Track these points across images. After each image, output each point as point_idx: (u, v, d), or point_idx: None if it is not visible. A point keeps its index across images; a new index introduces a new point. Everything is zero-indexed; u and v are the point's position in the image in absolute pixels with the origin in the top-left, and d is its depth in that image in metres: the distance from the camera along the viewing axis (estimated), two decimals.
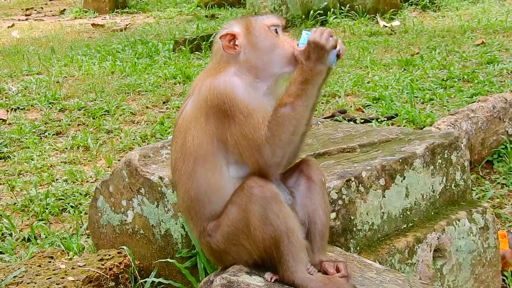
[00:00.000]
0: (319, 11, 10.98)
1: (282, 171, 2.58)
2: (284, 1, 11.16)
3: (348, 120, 5.93)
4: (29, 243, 4.34)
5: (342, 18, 11.25)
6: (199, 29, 11.37)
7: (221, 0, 14.42)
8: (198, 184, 2.51)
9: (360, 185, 3.07)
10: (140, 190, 3.51)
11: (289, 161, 2.59)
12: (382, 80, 7.27)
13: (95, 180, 5.24)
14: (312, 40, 2.44)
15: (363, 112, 6.40)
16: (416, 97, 6.58)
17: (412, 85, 6.75)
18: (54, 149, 6.05)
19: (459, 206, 3.51)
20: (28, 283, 3.25)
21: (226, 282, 2.43)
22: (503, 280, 3.74)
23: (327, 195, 2.74)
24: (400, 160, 3.25)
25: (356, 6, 11.37)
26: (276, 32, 2.58)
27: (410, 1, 12.24)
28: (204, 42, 9.58)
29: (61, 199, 4.95)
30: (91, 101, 7.37)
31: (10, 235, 4.48)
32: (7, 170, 5.62)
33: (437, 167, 3.42)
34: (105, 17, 15.12)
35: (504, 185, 4.87)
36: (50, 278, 3.28)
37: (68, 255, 3.72)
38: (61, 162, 5.71)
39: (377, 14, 11.31)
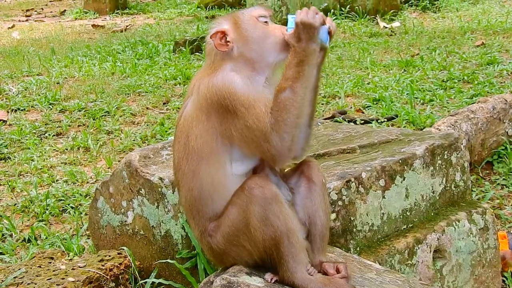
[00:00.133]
0: None
1: (299, 154, 2.58)
2: (284, 2, 11.17)
3: (348, 121, 5.93)
4: (29, 244, 4.35)
5: (342, 19, 11.26)
6: (199, 30, 11.37)
7: (222, 1, 14.43)
8: (202, 182, 2.51)
9: (360, 186, 3.07)
10: (140, 191, 3.51)
11: (303, 148, 2.60)
12: (382, 81, 7.27)
13: (95, 181, 5.24)
14: (299, 20, 2.44)
15: (363, 113, 6.40)
16: (416, 98, 6.58)
17: (412, 86, 6.75)
18: (54, 150, 6.05)
19: (459, 207, 3.51)
20: (28, 283, 3.26)
21: (226, 283, 2.43)
22: (503, 281, 3.74)
23: (328, 196, 2.75)
24: (400, 161, 3.25)
25: (356, 7, 11.37)
26: (265, 22, 2.58)
27: (410, 2, 12.24)
28: (204, 43, 9.58)
29: (61, 200, 4.96)
30: (92, 102, 7.38)
31: (11, 235, 4.49)
32: (7, 171, 5.62)
33: (437, 168, 3.42)
34: (105, 18, 15.13)
35: (504, 186, 4.87)
36: (50, 278, 3.29)
37: (68, 256, 3.72)
38: (61, 163, 5.72)
39: (377, 15, 11.32)
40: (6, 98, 7.73)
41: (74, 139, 6.21)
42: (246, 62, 2.54)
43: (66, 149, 6.03)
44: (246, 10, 2.62)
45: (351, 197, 3.03)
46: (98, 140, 6.21)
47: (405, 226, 3.27)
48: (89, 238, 4.21)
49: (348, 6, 11.39)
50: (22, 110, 7.29)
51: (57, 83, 8.32)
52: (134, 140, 6.10)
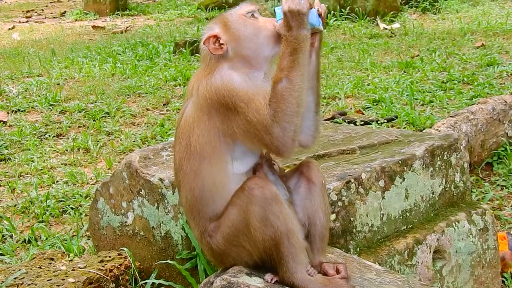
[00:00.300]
0: None
1: (310, 143, 2.61)
2: None
3: (348, 122, 5.93)
4: (29, 244, 4.35)
5: (342, 20, 11.28)
6: (199, 31, 11.38)
7: (222, 2, 14.44)
8: (204, 182, 2.52)
9: (360, 186, 3.08)
10: (140, 192, 3.52)
11: (313, 136, 2.62)
12: (382, 82, 7.28)
13: (96, 182, 5.25)
14: (286, 9, 2.44)
15: (363, 114, 6.40)
16: (416, 99, 6.59)
17: (412, 87, 6.76)
18: (54, 151, 6.06)
19: (459, 207, 3.51)
20: (28, 284, 3.26)
21: (226, 283, 2.44)
22: (503, 282, 3.75)
23: (327, 196, 2.75)
24: (400, 162, 3.26)
25: (356, 9, 11.38)
26: (254, 17, 2.58)
27: (410, 3, 12.25)
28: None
29: (62, 201, 4.96)
30: (92, 103, 7.38)
31: (11, 236, 4.49)
32: (7, 172, 5.62)
33: (437, 168, 3.42)
34: (105, 19, 15.14)
35: (504, 187, 4.88)
36: (50, 279, 3.29)
37: (69, 257, 3.73)
38: (62, 164, 5.72)
39: (377, 17, 11.33)
40: (6, 99, 7.73)
41: (74, 140, 6.22)
42: (243, 60, 2.55)
43: (66, 150, 6.04)
44: (233, 10, 2.63)
45: (350, 198, 3.04)
46: (98, 141, 6.22)
47: (404, 227, 3.28)
48: (89, 239, 4.21)
49: (348, 8, 11.40)
50: (22, 111, 7.29)
51: (57, 84, 8.33)
52: (134, 141, 6.10)
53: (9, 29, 14.44)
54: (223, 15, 2.63)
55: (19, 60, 10.15)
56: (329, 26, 11.03)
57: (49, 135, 6.44)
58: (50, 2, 19.54)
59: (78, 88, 8.09)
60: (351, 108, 6.56)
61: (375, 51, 9.07)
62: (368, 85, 7.28)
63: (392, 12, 11.46)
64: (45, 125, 6.73)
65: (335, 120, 6.04)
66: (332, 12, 11.28)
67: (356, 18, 11.28)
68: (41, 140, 6.37)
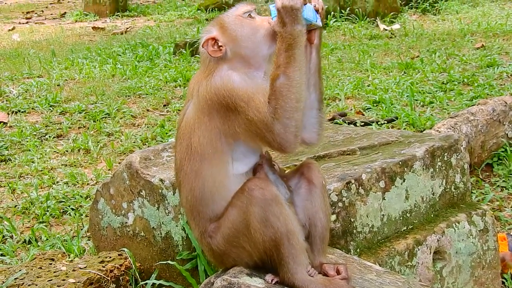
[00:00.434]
0: None
1: (315, 140, 2.61)
2: None
3: (348, 123, 5.94)
4: (30, 245, 4.35)
5: (342, 21, 11.28)
6: (199, 32, 11.38)
7: (222, 3, 14.44)
8: (204, 182, 2.52)
9: (360, 187, 3.08)
10: (141, 193, 3.52)
11: (318, 133, 2.63)
12: (382, 83, 7.29)
13: (96, 183, 5.25)
14: (279, 6, 2.45)
15: (363, 115, 6.41)
16: (416, 100, 6.59)
17: (412, 88, 6.76)
18: (54, 151, 6.06)
19: (459, 208, 3.51)
20: (29, 285, 3.27)
21: (227, 284, 2.44)
22: (503, 283, 3.75)
23: (328, 197, 2.75)
24: (400, 163, 3.26)
25: (356, 10, 11.38)
26: (251, 17, 2.59)
27: (410, 4, 12.25)
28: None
29: (62, 201, 4.96)
30: (92, 104, 7.39)
31: (11, 237, 4.49)
32: (8, 173, 5.63)
33: (437, 169, 3.43)
34: (105, 20, 15.14)
35: (504, 188, 4.88)
36: (51, 280, 3.30)
37: (69, 257, 3.73)
38: (62, 164, 5.73)
39: (377, 18, 11.33)
40: (6, 100, 7.74)
41: (74, 141, 6.22)
42: (242, 60, 2.55)
43: (67, 151, 6.04)
44: (230, 11, 2.64)
45: (351, 199, 3.04)
46: (98, 142, 6.22)
47: (405, 228, 3.28)
48: (89, 240, 4.21)
49: (348, 9, 11.41)
50: (22, 112, 7.30)
51: (58, 85, 8.33)
52: (134, 142, 6.11)
53: (9, 30, 14.45)
54: (220, 17, 2.64)
55: (19, 61, 10.16)
56: (329, 27, 11.03)
57: (49, 136, 6.45)
58: (50, 3, 19.56)
59: (78, 89, 8.09)
60: (351, 109, 6.56)
61: (375, 52, 9.07)
62: (368, 86, 7.28)
63: (392, 13, 11.47)
64: (46, 126, 6.73)
65: (335, 121, 6.04)
66: (332, 13, 11.29)
67: (356, 19, 11.29)
68: (42, 141, 6.38)
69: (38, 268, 3.48)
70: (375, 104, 6.63)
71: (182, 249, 3.43)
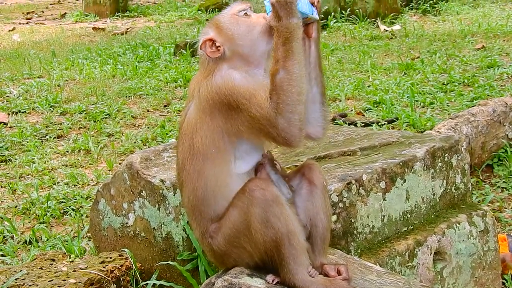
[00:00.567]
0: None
1: (320, 134, 2.61)
2: None
3: (349, 124, 5.94)
4: (30, 245, 4.35)
5: (343, 22, 11.28)
6: (200, 33, 11.37)
7: (222, 3, 14.44)
8: (207, 181, 2.52)
9: (361, 188, 3.08)
10: (141, 193, 3.52)
11: (323, 127, 2.62)
12: (383, 84, 7.29)
13: (96, 183, 5.25)
14: (274, 0, 2.45)
15: (363, 115, 6.41)
16: (417, 101, 6.59)
17: (412, 89, 6.76)
18: (55, 152, 6.06)
19: (459, 209, 3.51)
20: (30, 285, 3.27)
21: (228, 284, 2.44)
22: (503, 283, 3.75)
23: (328, 198, 2.75)
24: (401, 163, 3.26)
25: (357, 10, 11.38)
26: (247, 15, 2.59)
27: (410, 5, 12.26)
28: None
29: (62, 202, 4.96)
30: (92, 104, 7.39)
31: (12, 237, 4.50)
32: (8, 173, 5.63)
33: (438, 170, 3.43)
34: (106, 21, 15.15)
35: (504, 189, 4.88)
36: (51, 280, 3.30)
37: (70, 258, 3.73)
38: (62, 165, 5.73)
39: (378, 18, 11.33)
40: (7, 101, 7.74)
41: (75, 142, 6.22)
42: (240, 58, 2.56)
43: (67, 152, 6.04)
44: (225, 11, 2.64)
45: (352, 199, 3.04)
46: (99, 142, 6.22)
47: (405, 228, 3.28)
48: (90, 240, 4.21)
49: (348, 9, 11.41)
50: (23, 112, 7.30)
51: (58, 86, 8.34)
52: (134, 143, 6.11)
53: (10, 30, 14.46)
54: (215, 17, 2.65)
55: (19, 62, 10.17)
56: (330, 28, 11.04)
57: (49, 137, 6.45)
58: (51, 4, 19.57)
59: (79, 89, 8.10)
60: (352, 110, 6.56)
61: (376, 53, 9.08)
62: (368, 86, 7.29)
63: (392, 14, 11.47)
64: (46, 127, 6.74)
65: (336, 121, 6.04)
66: (333, 14, 11.29)
67: (357, 20, 11.29)
68: (42, 141, 6.38)
69: (39, 268, 3.48)
70: (375, 105, 6.63)
71: (183, 250, 3.43)
